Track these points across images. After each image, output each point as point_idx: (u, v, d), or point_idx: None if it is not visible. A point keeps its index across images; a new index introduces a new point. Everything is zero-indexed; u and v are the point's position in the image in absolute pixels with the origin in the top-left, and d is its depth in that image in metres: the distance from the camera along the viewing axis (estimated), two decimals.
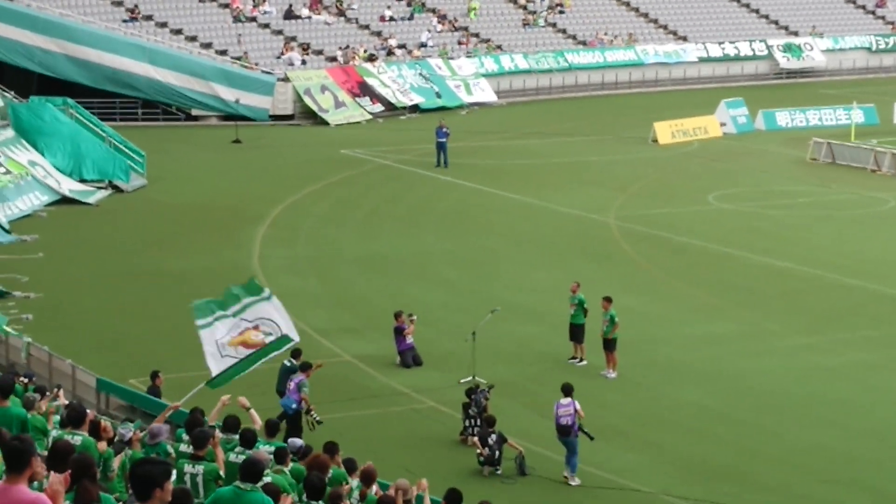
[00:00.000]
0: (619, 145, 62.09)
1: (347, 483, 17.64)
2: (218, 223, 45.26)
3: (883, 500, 24.89)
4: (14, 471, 9.42)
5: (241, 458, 15.84)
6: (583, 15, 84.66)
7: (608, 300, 31.08)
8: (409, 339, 31.38)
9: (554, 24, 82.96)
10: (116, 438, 17.58)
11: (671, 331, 34.48)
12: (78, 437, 14.91)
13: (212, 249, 41.81)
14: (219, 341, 20.98)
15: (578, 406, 25.16)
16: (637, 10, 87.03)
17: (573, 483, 25.09)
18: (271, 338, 21.24)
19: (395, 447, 26.21)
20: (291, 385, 25.67)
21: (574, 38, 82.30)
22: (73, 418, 15.61)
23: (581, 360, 31.51)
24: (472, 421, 26.29)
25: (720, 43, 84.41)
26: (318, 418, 25.46)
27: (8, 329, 30.13)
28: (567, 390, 25.44)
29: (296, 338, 21.92)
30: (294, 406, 25.43)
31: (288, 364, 26.69)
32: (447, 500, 16.49)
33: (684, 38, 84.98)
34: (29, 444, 9.60)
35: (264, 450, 17.06)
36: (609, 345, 30.77)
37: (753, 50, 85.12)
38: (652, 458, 26.51)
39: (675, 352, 32.76)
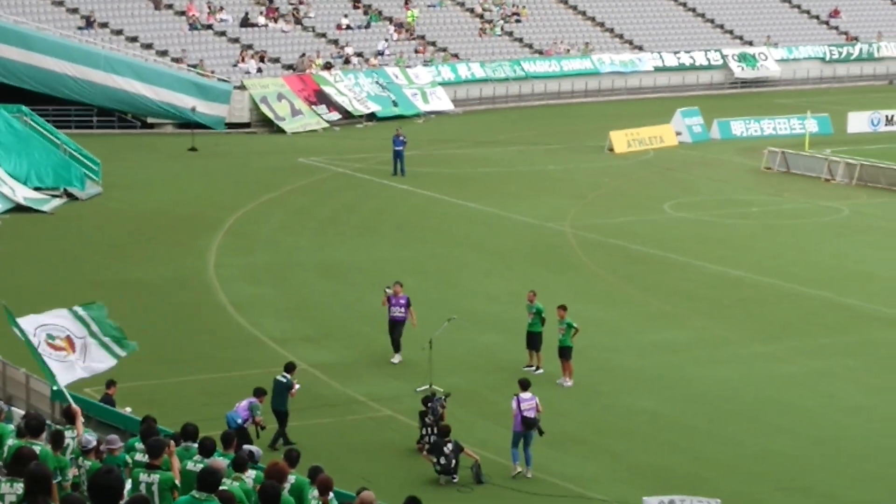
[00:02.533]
0: (576, 154, 62.29)
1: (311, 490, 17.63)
2: (174, 231, 45.12)
3: None
4: None
5: (199, 466, 15.80)
6: (539, 24, 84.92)
7: (563, 308, 31.18)
8: (396, 312, 31.79)
9: (510, 33, 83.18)
10: (75, 446, 17.49)
11: (627, 339, 34.60)
12: (37, 447, 14.82)
13: (168, 258, 41.68)
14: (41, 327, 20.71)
15: (538, 401, 25.67)
16: (593, 19, 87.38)
17: (529, 476, 25.33)
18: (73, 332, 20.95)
19: (352, 456, 26.20)
20: (244, 403, 25.48)
21: (530, 47, 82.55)
22: (32, 428, 15.53)
23: (537, 368, 31.56)
24: (429, 429, 26.28)
25: (675, 52, 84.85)
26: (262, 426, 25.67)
27: None
28: (526, 384, 25.97)
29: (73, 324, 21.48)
30: (239, 422, 25.31)
31: (283, 380, 26.45)
32: None
33: (640, 48, 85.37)
34: None
35: (222, 460, 17.00)
36: (565, 353, 30.85)
37: (709, 59, 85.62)
38: (608, 465, 26.59)
39: (631, 360, 32.88)
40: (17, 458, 12.03)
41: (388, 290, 32.30)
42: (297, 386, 26.58)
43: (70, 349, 20.74)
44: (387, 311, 32.18)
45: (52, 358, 20.51)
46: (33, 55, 63.58)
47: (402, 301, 32.09)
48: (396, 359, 31.98)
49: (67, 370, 20.71)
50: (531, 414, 25.57)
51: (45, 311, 21.50)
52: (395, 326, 32.12)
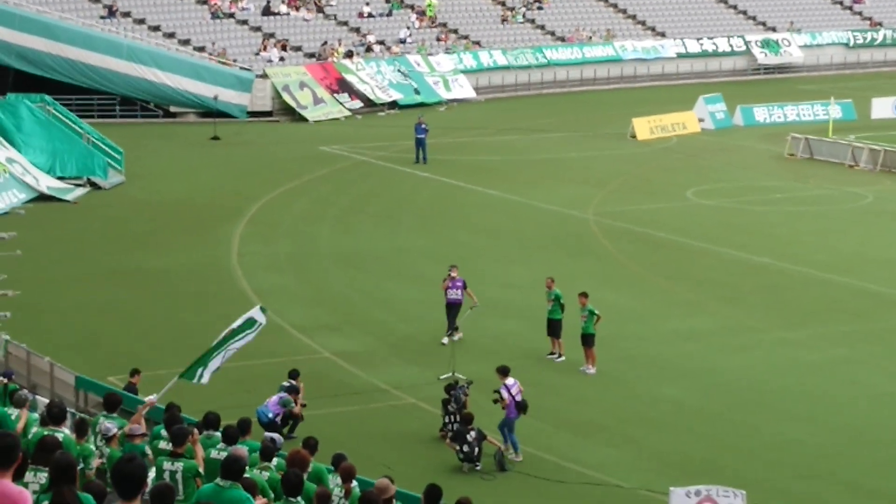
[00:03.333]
0: (598, 141, 62.19)
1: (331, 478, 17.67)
2: (196, 220, 45.19)
3: (860, 494, 24.99)
4: (1, 466, 9.44)
5: (223, 454, 15.84)
6: (561, 11, 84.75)
7: (584, 296, 31.11)
8: (452, 294, 32.14)
9: (532, 21, 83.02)
10: (101, 433, 17.58)
11: (650, 326, 34.53)
12: (59, 435, 14.87)
13: (190, 247, 41.75)
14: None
15: (519, 384, 26.14)
16: (615, 6, 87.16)
17: (519, 459, 25.48)
18: (236, 323, 21.23)
19: (375, 444, 26.21)
20: (274, 398, 25.38)
21: (552, 34, 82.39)
22: (53, 416, 15.59)
23: (559, 355, 31.53)
24: (452, 417, 26.28)
25: (698, 39, 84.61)
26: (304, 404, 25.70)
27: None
28: (506, 371, 26.32)
29: (261, 319, 21.68)
30: (270, 416, 25.29)
31: (287, 385, 26.24)
32: (426, 496, 16.49)
33: (662, 34, 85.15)
34: (14, 440, 9.61)
35: (244, 448, 17.04)
36: (587, 340, 30.80)
37: (731, 46, 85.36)
38: (631, 453, 26.55)
39: (654, 347, 32.81)
40: (40, 446, 12.07)
41: (453, 274, 32.63)
42: (293, 405, 25.97)
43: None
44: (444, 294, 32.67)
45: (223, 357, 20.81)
46: (56, 44, 63.75)
47: (459, 283, 32.46)
48: (446, 340, 32.11)
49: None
50: (522, 398, 25.95)
51: None
52: (451, 308, 32.44)
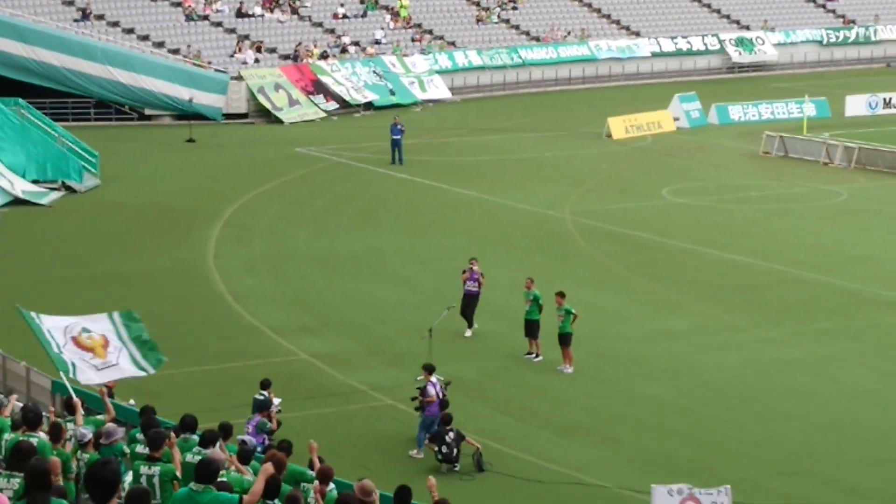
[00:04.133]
0: (574, 141, 62.20)
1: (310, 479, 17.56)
2: (173, 223, 45.01)
3: (842, 490, 24.98)
4: None
5: (199, 458, 15.71)
6: (536, 11, 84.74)
7: (561, 295, 31.05)
8: (470, 286, 32.90)
9: (507, 21, 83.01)
10: (72, 439, 17.42)
11: (628, 325, 34.50)
12: (34, 440, 14.72)
13: (167, 249, 41.57)
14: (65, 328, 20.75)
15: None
16: (590, 5, 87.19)
17: (421, 457, 25.62)
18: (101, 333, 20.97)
19: (353, 445, 26.10)
20: (250, 428, 24.04)
21: (527, 34, 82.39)
22: (29, 420, 15.43)
23: (537, 355, 31.47)
24: None
25: (673, 38, 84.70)
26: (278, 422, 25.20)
27: None
28: (431, 368, 26.65)
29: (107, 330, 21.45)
30: (258, 448, 24.55)
31: (261, 398, 25.31)
32: (396, 498, 16.40)
33: (637, 34, 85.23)
34: None
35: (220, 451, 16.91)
36: (564, 340, 30.73)
37: (706, 44, 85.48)
38: (611, 452, 26.49)
39: (633, 346, 32.78)
40: (15, 451, 11.92)
41: (474, 267, 33.20)
42: (277, 401, 25.55)
43: (101, 351, 20.70)
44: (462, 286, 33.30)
45: (74, 355, 20.50)
46: (30, 48, 63.47)
47: (477, 276, 33.02)
48: (469, 333, 32.94)
49: (87, 370, 20.67)
50: (445, 395, 26.31)
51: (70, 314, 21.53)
52: (468, 300, 33.01)
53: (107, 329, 21.06)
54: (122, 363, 20.96)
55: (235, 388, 28.14)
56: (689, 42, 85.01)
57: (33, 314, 21.17)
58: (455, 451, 25.01)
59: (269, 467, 13.15)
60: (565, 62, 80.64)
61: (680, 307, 36.44)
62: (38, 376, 26.41)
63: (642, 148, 60.69)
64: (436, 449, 25.10)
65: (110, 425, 17.56)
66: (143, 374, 21.34)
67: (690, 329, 34.38)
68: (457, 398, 27.05)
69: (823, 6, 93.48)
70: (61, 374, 20.62)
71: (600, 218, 46.23)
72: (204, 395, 28.06)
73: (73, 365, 20.48)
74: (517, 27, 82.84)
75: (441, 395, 26.12)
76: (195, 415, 18.57)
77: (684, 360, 31.87)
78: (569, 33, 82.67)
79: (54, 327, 20.81)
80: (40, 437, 14.97)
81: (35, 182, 49.26)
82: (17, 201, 47.16)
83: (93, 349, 20.84)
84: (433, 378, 26.42)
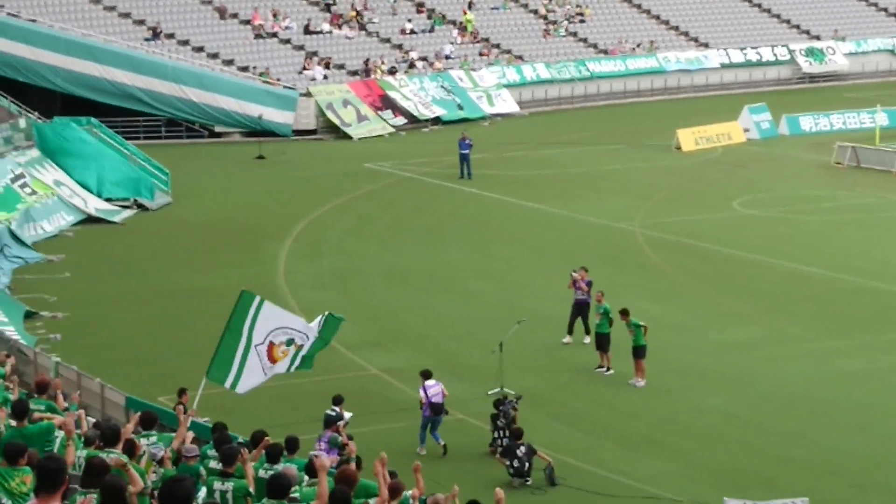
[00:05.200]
0: (643, 153, 62.03)
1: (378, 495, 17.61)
2: (242, 239, 45.35)
3: None
4: (47, 490, 9.49)
5: (270, 473, 15.85)
6: (603, 24, 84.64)
7: (624, 313, 30.97)
8: (579, 295, 33.14)
9: (575, 34, 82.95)
10: (146, 457, 17.60)
11: (698, 338, 34.41)
12: (113, 456, 14.85)
13: (237, 266, 41.87)
14: (264, 368, 21.04)
15: (444, 387, 27.00)
16: (658, 17, 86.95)
17: (423, 453, 26.29)
18: (302, 342, 21.25)
19: (424, 460, 26.09)
20: (322, 444, 24.48)
21: (595, 46, 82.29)
22: (107, 437, 15.55)
23: (608, 369, 31.47)
24: (502, 432, 26.26)
25: (742, 49, 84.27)
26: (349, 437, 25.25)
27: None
28: (428, 374, 27.17)
29: (312, 336, 21.80)
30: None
31: (332, 413, 25.34)
32: None
33: (706, 45, 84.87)
34: (62, 464, 9.66)
35: (293, 466, 17.05)
36: (638, 352, 30.71)
37: (776, 55, 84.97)
38: (681, 465, 26.43)
39: (703, 359, 32.68)
40: (88, 469, 12.04)
41: (573, 274, 33.42)
42: (347, 415, 25.67)
43: (281, 359, 21.09)
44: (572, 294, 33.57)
45: (255, 360, 20.82)
46: (102, 67, 64.20)
47: (585, 284, 33.13)
48: (567, 339, 33.39)
49: (253, 378, 21.02)
50: (438, 399, 26.76)
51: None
52: (578, 309, 33.23)
53: (310, 330, 21.44)
54: (282, 365, 21.24)
55: (306, 404, 28.33)
56: (758, 53, 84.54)
57: (258, 300, 21.42)
58: (527, 465, 25.04)
59: (324, 462, 13.29)
60: (634, 74, 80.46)
61: (749, 318, 36.27)
62: (113, 393, 26.75)
63: (712, 160, 60.42)
64: (507, 463, 25.14)
65: (190, 445, 17.74)
66: (289, 371, 21.62)
67: (759, 340, 34.22)
68: (528, 412, 27.10)
69: (895, 15, 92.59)
70: (207, 379, 20.77)
71: (670, 230, 46.09)
72: (275, 411, 28.23)
73: (239, 375, 20.67)
74: (585, 40, 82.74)
75: (431, 399, 26.63)
76: (266, 430, 18.73)
77: (752, 371, 31.72)
78: (638, 45, 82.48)
79: (266, 322, 21.03)
80: (118, 454, 15.06)
81: (108, 200, 49.81)
82: (90, 219, 47.72)
83: (277, 360, 21.20)
84: (427, 382, 26.86)
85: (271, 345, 21.27)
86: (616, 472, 25.71)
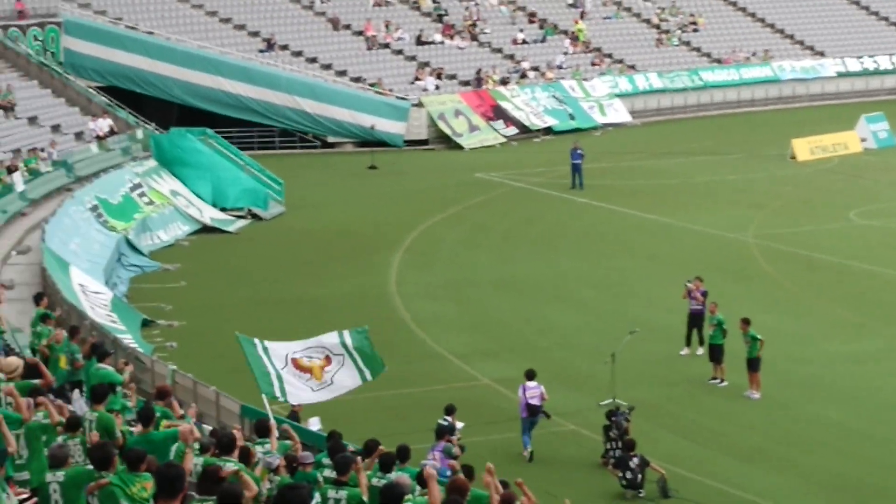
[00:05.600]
0: (757, 163, 61.41)
1: None
2: (355, 249, 45.58)
3: None
4: (166, 497, 9.61)
5: (383, 482, 15.88)
6: (717, 32, 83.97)
7: (746, 322, 30.68)
8: (694, 305, 33.04)
9: (688, 43, 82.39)
10: (260, 465, 17.73)
11: (814, 349, 33.97)
12: (230, 465, 14.99)
13: (350, 275, 42.11)
14: (288, 356, 21.14)
15: (544, 390, 27.04)
16: (772, 26, 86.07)
17: (526, 454, 26.64)
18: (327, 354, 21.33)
19: (536, 470, 26.08)
20: (436, 453, 23.79)
21: (708, 56, 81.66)
22: (223, 444, 15.70)
23: (722, 380, 31.18)
24: (614, 444, 26.11)
25: (859, 57, 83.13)
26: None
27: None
28: (531, 375, 27.27)
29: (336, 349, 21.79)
30: (448, 474, 24.37)
31: (445, 423, 25.23)
32: None
33: (821, 54, 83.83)
34: (181, 471, 9.77)
35: (405, 475, 17.07)
36: (753, 365, 30.39)
37: (893, 63, 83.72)
38: (797, 478, 26.10)
39: (819, 370, 32.26)
40: (205, 476, 12.18)
41: (688, 284, 33.35)
42: (460, 425, 25.67)
43: (319, 373, 21.20)
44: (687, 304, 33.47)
45: (292, 376, 21.01)
46: (217, 78, 65.03)
47: (700, 295, 33.06)
48: (685, 351, 33.13)
49: (302, 391, 21.18)
50: (535, 402, 26.84)
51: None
52: (693, 319, 33.14)
53: (333, 344, 21.50)
54: (339, 379, 21.34)
55: (418, 413, 28.38)
56: (875, 61, 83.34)
57: (256, 341, 21.61)
58: (639, 476, 24.87)
59: (431, 471, 13.28)
60: (748, 84, 79.75)
61: (865, 330, 35.75)
62: (228, 401, 26.99)
63: (828, 169, 59.64)
64: (620, 474, 25.00)
65: (306, 452, 17.87)
66: (359, 384, 21.71)
67: (876, 352, 33.71)
68: (640, 423, 26.92)
69: None
70: (264, 397, 21.01)
71: (784, 241, 45.55)
72: (387, 420, 28.34)
73: (284, 388, 20.91)
74: (698, 49, 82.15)
75: (528, 400, 26.86)
76: (378, 439, 18.79)
77: (870, 383, 31.27)
78: (753, 54, 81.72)
79: (276, 353, 21.28)
80: (234, 461, 15.20)
81: (223, 210, 50.40)
82: (205, 228, 48.30)
83: (311, 370, 21.31)
84: (528, 383, 27.13)
85: (295, 360, 21.41)
86: (730, 484, 25.45)
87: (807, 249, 44.37)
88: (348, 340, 21.63)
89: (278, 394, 21.06)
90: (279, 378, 21.05)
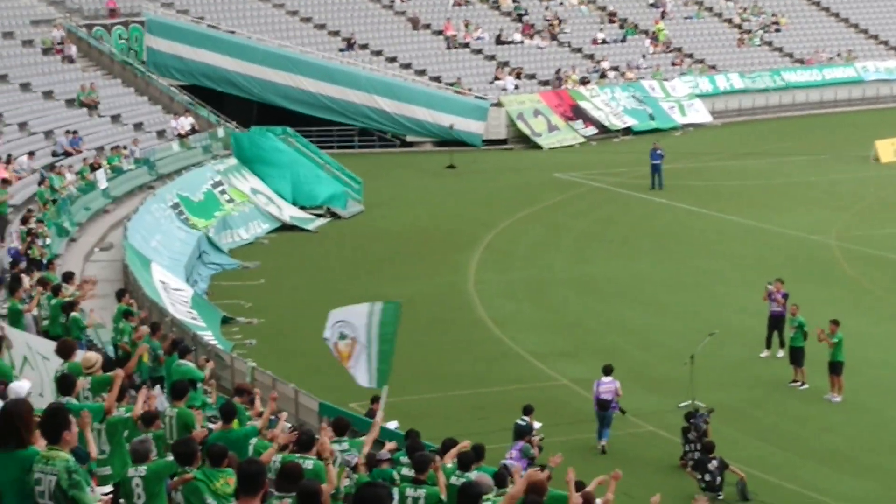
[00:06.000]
0: (840, 164, 60.77)
1: None
2: (434, 248, 45.62)
3: None
4: (248, 493, 9.64)
5: (462, 480, 15.86)
6: (799, 33, 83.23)
7: (835, 323, 30.30)
8: (774, 307, 32.78)
9: (770, 43, 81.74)
10: (338, 462, 17.78)
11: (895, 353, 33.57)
12: (309, 462, 15.03)
13: (428, 274, 42.15)
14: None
15: (619, 385, 27.24)
16: (856, 26, 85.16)
17: (600, 446, 27.01)
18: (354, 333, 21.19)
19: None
20: (514, 453, 24.12)
21: (791, 56, 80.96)
22: (301, 442, 15.76)
23: (802, 383, 30.87)
24: (692, 446, 25.94)
25: None
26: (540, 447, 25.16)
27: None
28: (608, 370, 27.60)
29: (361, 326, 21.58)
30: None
31: (522, 423, 25.37)
32: None
33: None
34: (262, 467, 9.80)
35: (485, 474, 17.04)
36: (836, 368, 30.06)
37: None
38: (878, 483, 25.78)
39: None
40: (283, 473, 12.19)
41: (769, 286, 33.12)
42: (537, 425, 25.62)
43: (346, 360, 21.17)
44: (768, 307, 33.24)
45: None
46: (297, 77, 65.37)
47: (781, 297, 32.79)
48: (765, 353, 32.90)
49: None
50: (607, 396, 27.12)
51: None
52: (773, 322, 32.88)
53: (361, 325, 21.28)
54: (356, 372, 21.29)
55: (496, 413, 28.35)
56: None
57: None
58: (718, 479, 24.68)
59: (535, 473, 13.24)
60: (830, 84, 78.97)
61: None
62: (307, 398, 27.10)
63: None
64: (699, 477, 24.83)
65: (383, 451, 17.91)
66: (365, 385, 21.49)
67: None
68: (719, 426, 26.72)
69: None
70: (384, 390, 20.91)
71: (867, 243, 45.03)
72: (464, 419, 28.33)
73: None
74: (780, 49, 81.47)
75: (598, 395, 27.16)
76: (456, 438, 18.78)
77: None
78: (838, 54, 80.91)
79: (333, 322, 21.18)
80: (314, 459, 15.24)
81: (302, 208, 50.63)
82: (284, 227, 48.54)
83: (342, 357, 21.27)
84: (603, 378, 27.38)
85: (335, 346, 21.30)
86: (811, 488, 25.19)
87: (890, 252, 43.81)
88: (374, 327, 21.28)
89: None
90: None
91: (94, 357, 17.44)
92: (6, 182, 42.26)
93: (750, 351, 33.27)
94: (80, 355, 17.65)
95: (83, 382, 16.68)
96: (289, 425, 20.79)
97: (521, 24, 76.58)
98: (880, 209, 51.30)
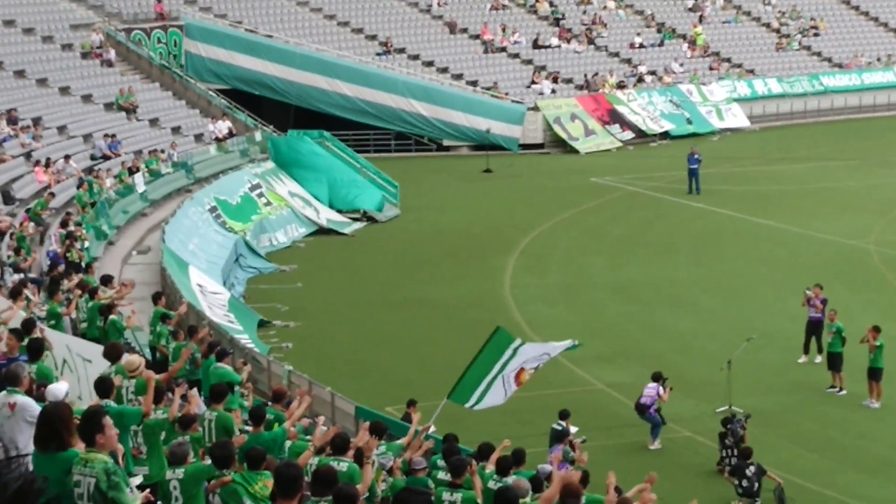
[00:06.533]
0: (879, 170, 60.43)
1: None
2: (470, 252, 45.63)
3: None
4: (285, 496, 9.67)
5: (499, 485, 15.84)
6: (838, 37, 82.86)
7: (876, 330, 30.12)
8: (812, 312, 32.79)
9: (808, 48, 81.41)
10: (375, 466, 17.78)
11: None
12: (343, 464, 15.06)
13: (464, 278, 42.15)
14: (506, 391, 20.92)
15: (662, 391, 27.62)
16: None
17: (652, 447, 27.31)
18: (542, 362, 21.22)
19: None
20: (552, 457, 24.36)
21: (829, 60, 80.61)
22: (336, 444, 15.79)
23: (840, 389, 30.71)
24: (730, 451, 25.83)
25: None
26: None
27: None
28: (656, 377, 27.96)
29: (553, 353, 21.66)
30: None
31: (559, 428, 25.39)
32: None
33: None
34: (299, 471, 9.82)
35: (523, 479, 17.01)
36: (875, 374, 29.89)
37: None
38: None
39: None
40: (317, 477, 12.20)
41: (807, 292, 33.12)
42: (573, 430, 25.70)
43: (528, 379, 21.25)
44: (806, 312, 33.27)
45: (507, 384, 20.92)
46: (334, 81, 65.53)
47: (819, 302, 32.82)
48: (803, 359, 32.83)
49: (494, 399, 21.11)
50: (644, 400, 27.52)
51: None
52: (812, 327, 32.88)
53: (555, 349, 21.56)
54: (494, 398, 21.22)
55: (533, 417, 28.31)
56: None
57: (518, 341, 21.32)
58: (756, 485, 24.56)
59: (569, 475, 13.18)
60: (869, 89, 78.58)
61: None
62: (343, 402, 27.14)
63: None
64: (736, 482, 24.71)
65: (418, 458, 17.90)
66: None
67: None
68: (756, 431, 26.60)
69: None
70: (448, 401, 20.79)
71: None
72: (501, 424, 28.28)
73: (485, 394, 20.70)
74: (819, 54, 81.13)
75: (640, 397, 27.47)
76: (493, 443, 18.77)
77: None
78: (877, 59, 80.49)
79: (523, 357, 21.07)
80: (349, 462, 15.26)
81: (339, 212, 50.74)
82: (321, 230, 48.66)
83: (523, 382, 21.25)
84: (649, 384, 27.62)
85: (521, 370, 21.21)
86: (849, 494, 25.05)
87: None
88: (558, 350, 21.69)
89: (473, 401, 20.81)
90: (491, 382, 20.76)
91: (138, 360, 17.52)
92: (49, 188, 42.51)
93: (788, 356, 33.13)
94: (124, 358, 17.75)
95: (126, 385, 16.76)
96: (324, 428, 20.83)
97: (557, 29, 76.52)
98: None
